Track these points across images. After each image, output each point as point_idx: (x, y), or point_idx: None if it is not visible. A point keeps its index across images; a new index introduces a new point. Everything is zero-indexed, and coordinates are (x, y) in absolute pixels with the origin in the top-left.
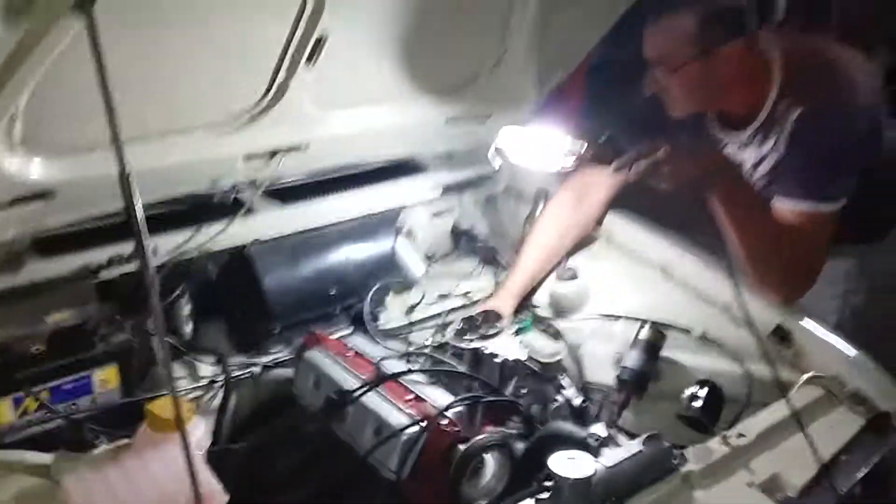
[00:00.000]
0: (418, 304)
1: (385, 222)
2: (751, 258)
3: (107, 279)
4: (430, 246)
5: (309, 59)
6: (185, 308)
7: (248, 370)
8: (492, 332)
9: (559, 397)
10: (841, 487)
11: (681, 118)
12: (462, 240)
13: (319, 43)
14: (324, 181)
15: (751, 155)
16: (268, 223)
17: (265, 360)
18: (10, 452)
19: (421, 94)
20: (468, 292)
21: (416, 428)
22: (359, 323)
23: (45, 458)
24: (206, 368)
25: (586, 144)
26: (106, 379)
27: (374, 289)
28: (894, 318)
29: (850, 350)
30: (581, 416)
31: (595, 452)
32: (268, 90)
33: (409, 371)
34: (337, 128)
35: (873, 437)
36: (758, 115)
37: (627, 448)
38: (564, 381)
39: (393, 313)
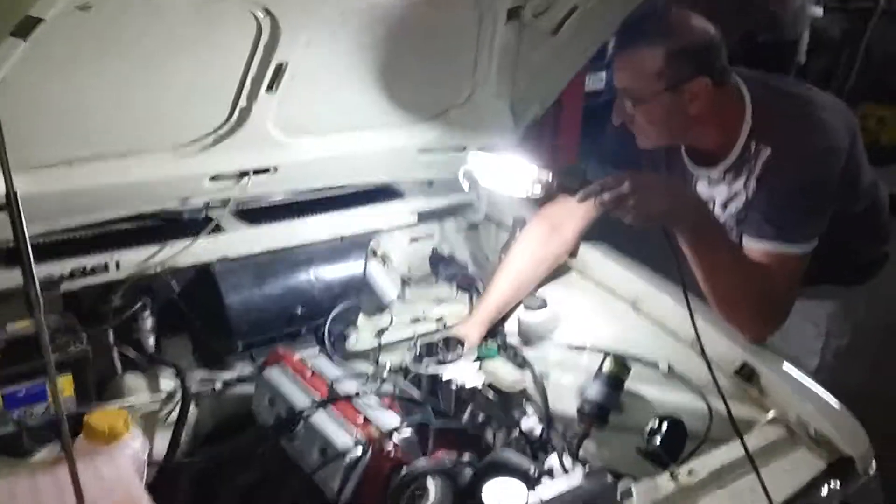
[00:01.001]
0: (388, 326)
1: (357, 245)
2: (717, 296)
3: (69, 290)
4: (406, 270)
5: (270, 86)
6: (148, 321)
7: (210, 386)
8: (451, 357)
9: (520, 426)
10: None
11: (653, 151)
12: (440, 266)
13: (280, 70)
14: (299, 203)
15: (721, 192)
16: (236, 242)
17: (227, 376)
18: None
19: (391, 124)
20: (441, 318)
21: (358, 450)
22: (324, 341)
23: None
24: (168, 382)
25: (551, 174)
26: (60, 388)
27: (337, 310)
28: (874, 363)
29: (816, 391)
30: (541, 446)
31: (534, 484)
32: (230, 114)
33: (356, 395)
34: (306, 153)
35: (834, 482)
36: (729, 153)
37: (567, 481)
38: (528, 410)
39: (364, 335)
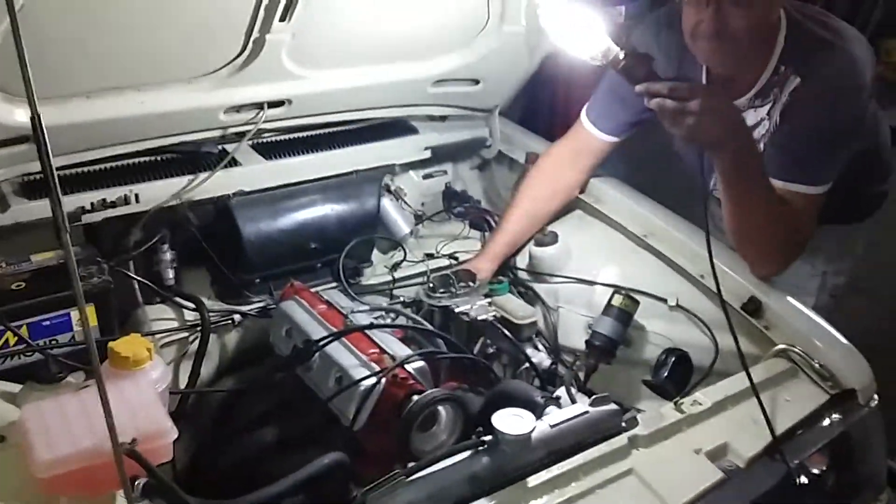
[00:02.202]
0: (402, 261)
1: (370, 180)
2: (738, 228)
3: (91, 222)
4: (419, 206)
5: (283, 16)
6: (167, 254)
7: (229, 317)
8: (462, 291)
9: (530, 359)
10: (791, 460)
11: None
12: (453, 202)
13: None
14: (312, 138)
15: (749, 119)
16: (252, 176)
17: (245, 308)
18: None
19: (405, 56)
20: (454, 253)
21: (373, 379)
22: (341, 277)
23: (15, 388)
24: (188, 314)
25: (623, 51)
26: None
27: (352, 244)
28: (872, 299)
29: (821, 325)
30: (550, 378)
31: (541, 411)
32: (244, 46)
33: (371, 325)
34: (319, 85)
35: (835, 413)
36: (760, 76)
37: (573, 409)
38: (538, 343)
39: (378, 269)
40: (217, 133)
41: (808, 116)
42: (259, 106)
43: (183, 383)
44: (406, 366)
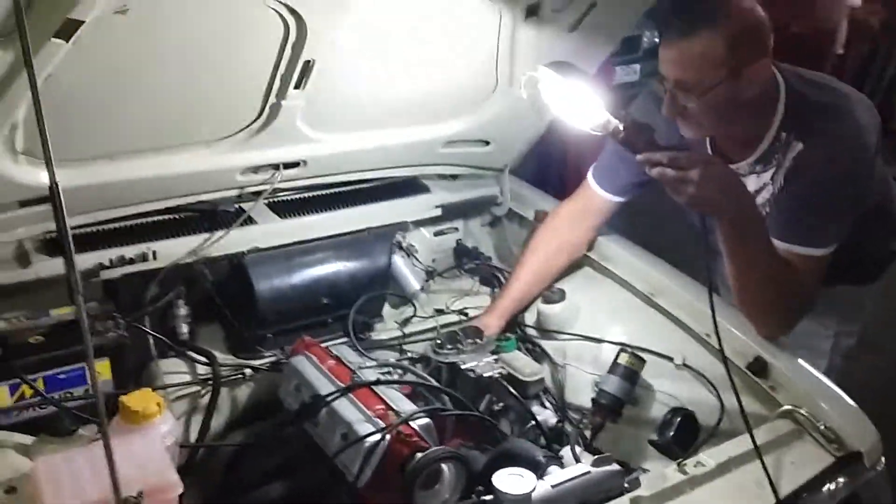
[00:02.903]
0: (412, 317)
1: (382, 238)
2: (742, 289)
3: (109, 278)
4: (431, 262)
5: (298, 84)
6: (182, 310)
7: (240, 372)
8: (469, 347)
9: (535, 417)
10: None
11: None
12: (464, 259)
13: (308, 67)
14: (325, 196)
15: (750, 183)
16: (266, 234)
17: (257, 363)
18: (4, 435)
19: (417, 119)
20: (464, 309)
21: (377, 435)
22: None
23: (29, 440)
24: (203, 368)
25: (622, 123)
26: (99, 371)
27: (362, 300)
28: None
29: (827, 386)
30: (556, 436)
31: (543, 471)
32: (261, 111)
33: (378, 382)
34: (333, 147)
35: (840, 476)
36: (760, 143)
37: (575, 469)
38: (544, 401)
39: (389, 324)
40: (234, 192)
41: (811, 180)
42: (275, 167)
43: (194, 436)
44: (411, 423)
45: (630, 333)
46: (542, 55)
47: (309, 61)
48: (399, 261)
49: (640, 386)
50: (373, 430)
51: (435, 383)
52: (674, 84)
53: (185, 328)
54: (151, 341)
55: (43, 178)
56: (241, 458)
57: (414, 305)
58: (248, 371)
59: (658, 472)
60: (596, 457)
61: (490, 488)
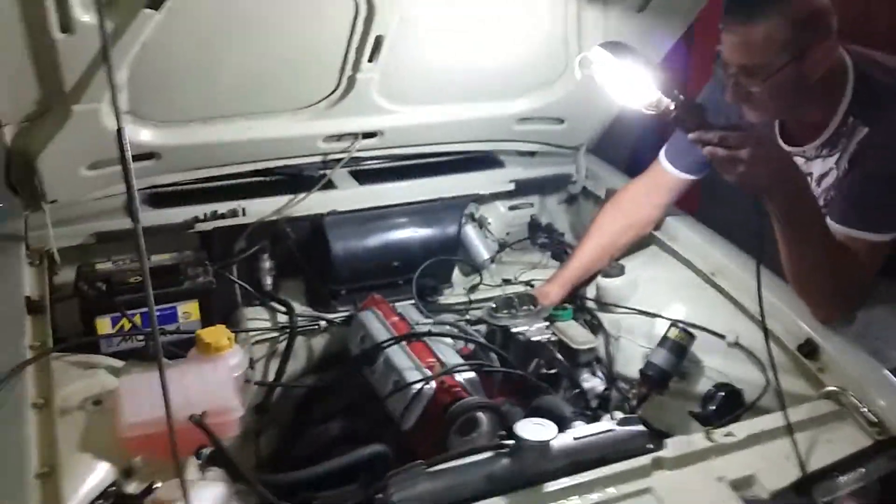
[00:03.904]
0: (479, 284)
1: (454, 208)
2: (796, 273)
3: (203, 231)
4: (504, 235)
5: (371, 57)
6: (266, 263)
7: (315, 323)
8: (523, 313)
9: (581, 383)
10: (820, 498)
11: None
12: (537, 233)
13: (379, 42)
14: (403, 167)
15: (816, 167)
16: (346, 198)
17: (331, 316)
18: (100, 357)
19: (490, 95)
20: (531, 280)
21: (423, 383)
22: (420, 294)
23: (119, 364)
24: (282, 317)
25: (673, 103)
26: (188, 311)
27: (427, 263)
28: None
29: (876, 371)
30: (602, 404)
31: (569, 425)
32: (339, 82)
33: (428, 333)
34: (409, 119)
35: (879, 459)
36: (826, 127)
37: (600, 425)
38: (595, 370)
39: (457, 290)
40: (317, 158)
41: (872, 164)
42: (354, 136)
43: (271, 378)
44: (458, 377)
45: (686, 310)
46: (610, 35)
47: (380, 36)
48: (471, 231)
49: (690, 361)
50: (420, 377)
51: (481, 340)
52: (737, 69)
53: (268, 280)
54: (237, 289)
55: (144, 135)
56: (310, 400)
57: (480, 274)
58: (322, 323)
59: (684, 438)
60: (622, 416)
61: (512, 435)
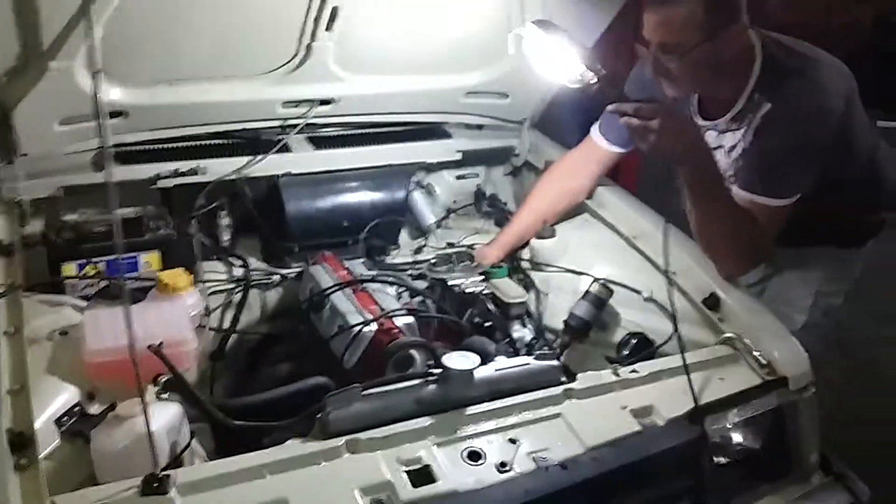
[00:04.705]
0: (423, 246)
1: (403, 174)
2: (702, 234)
3: (165, 187)
4: (451, 203)
5: (327, 27)
6: (225, 220)
7: (269, 277)
8: (460, 268)
9: (511, 332)
10: (710, 426)
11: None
12: (483, 202)
13: (335, 12)
14: (357, 135)
15: (728, 139)
16: (301, 162)
17: (285, 271)
18: (66, 297)
19: (440, 68)
20: (473, 244)
21: (365, 327)
22: (369, 253)
23: (84, 303)
24: (238, 271)
25: (596, 77)
26: (149, 261)
27: (374, 223)
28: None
29: (769, 319)
30: (529, 352)
31: (491, 359)
32: (297, 51)
33: (370, 280)
34: (362, 88)
35: (765, 396)
36: (736, 102)
37: (518, 360)
38: (526, 322)
39: (404, 251)
40: (276, 123)
41: (772, 137)
42: (311, 102)
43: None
44: (398, 321)
45: (609, 270)
46: (549, 13)
47: (335, 7)
48: (418, 197)
49: (609, 314)
50: (361, 320)
51: (414, 286)
52: (657, 47)
53: (226, 236)
54: (196, 243)
55: (114, 94)
56: (262, 346)
57: (426, 237)
58: (276, 277)
59: (594, 374)
60: (538, 352)
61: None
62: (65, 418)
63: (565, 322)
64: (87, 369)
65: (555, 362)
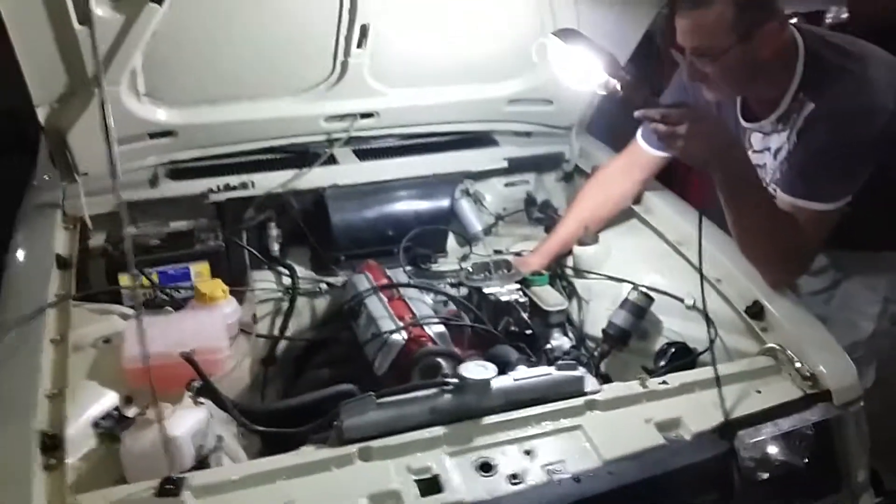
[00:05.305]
0: (470, 254)
1: (446, 183)
2: (740, 241)
3: (217, 201)
4: (501, 210)
5: (359, 44)
6: (273, 231)
7: (317, 286)
8: (497, 276)
9: (553, 341)
10: (743, 442)
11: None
12: (533, 209)
13: (365, 30)
14: (402, 147)
15: (774, 141)
16: (346, 174)
17: (331, 279)
18: (117, 307)
19: (476, 77)
20: (521, 251)
21: (397, 335)
22: (413, 262)
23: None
24: (288, 280)
25: (620, 84)
26: (200, 271)
27: (414, 231)
28: None
29: (817, 331)
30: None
31: (512, 369)
32: (333, 67)
33: (401, 284)
34: (402, 100)
35: (806, 411)
36: (780, 103)
37: (539, 370)
38: (567, 330)
39: (451, 259)
40: (319, 137)
41: (815, 138)
42: (353, 116)
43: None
44: (429, 330)
45: (653, 277)
46: (582, 21)
47: (365, 25)
48: (465, 204)
49: (651, 322)
50: (393, 327)
51: (446, 292)
52: (691, 51)
53: (275, 246)
54: (246, 254)
55: (160, 115)
56: (307, 352)
57: (470, 245)
58: (323, 286)
59: (620, 385)
60: (560, 362)
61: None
62: (102, 420)
63: (603, 331)
64: (126, 375)
65: (577, 372)
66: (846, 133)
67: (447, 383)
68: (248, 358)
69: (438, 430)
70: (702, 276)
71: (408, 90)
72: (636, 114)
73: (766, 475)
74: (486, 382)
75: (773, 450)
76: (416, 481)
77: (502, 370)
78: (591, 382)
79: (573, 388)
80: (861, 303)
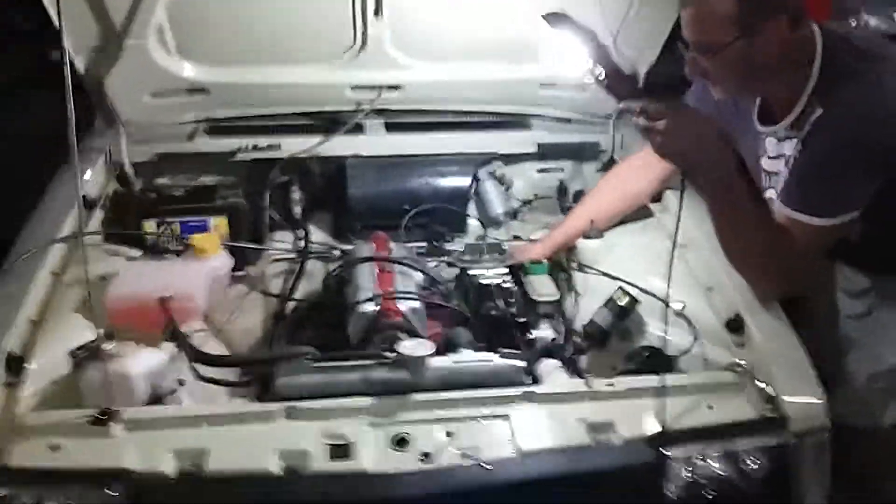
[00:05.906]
0: (483, 236)
1: (468, 163)
2: (725, 250)
3: (243, 160)
4: (530, 195)
5: (375, 11)
6: (296, 194)
7: (330, 251)
8: (486, 259)
9: (538, 330)
10: (678, 454)
11: (727, 105)
12: (565, 197)
13: None
14: (432, 123)
15: (789, 148)
16: (371, 144)
17: (345, 246)
18: (129, 249)
19: (503, 56)
20: (539, 238)
21: (370, 304)
22: (429, 239)
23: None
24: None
25: (603, 72)
26: (218, 225)
27: (419, 208)
28: None
29: (794, 353)
30: (547, 353)
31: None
32: (354, 36)
33: (386, 259)
34: (427, 75)
35: (757, 432)
36: (794, 107)
37: (481, 355)
38: (558, 320)
39: (468, 240)
40: (348, 107)
41: (818, 145)
42: (379, 88)
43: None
44: (403, 306)
45: (651, 278)
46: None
47: None
48: (489, 186)
49: (634, 323)
50: (369, 297)
51: (426, 269)
52: (693, 45)
53: (298, 209)
54: (265, 213)
55: (188, 70)
56: (308, 313)
57: (485, 227)
58: (336, 252)
59: (562, 381)
60: (504, 351)
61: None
62: (78, 351)
63: (583, 328)
64: (109, 312)
65: (519, 363)
66: (850, 141)
67: (384, 356)
68: (262, 312)
69: (366, 401)
70: (671, 259)
71: (433, 64)
72: (619, 105)
73: (701, 493)
74: (421, 360)
75: (710, 468)
76: (329, 445)
77: (453, 351)
78: (559, 376)
79: (512, 378)
80: (891, 332)
